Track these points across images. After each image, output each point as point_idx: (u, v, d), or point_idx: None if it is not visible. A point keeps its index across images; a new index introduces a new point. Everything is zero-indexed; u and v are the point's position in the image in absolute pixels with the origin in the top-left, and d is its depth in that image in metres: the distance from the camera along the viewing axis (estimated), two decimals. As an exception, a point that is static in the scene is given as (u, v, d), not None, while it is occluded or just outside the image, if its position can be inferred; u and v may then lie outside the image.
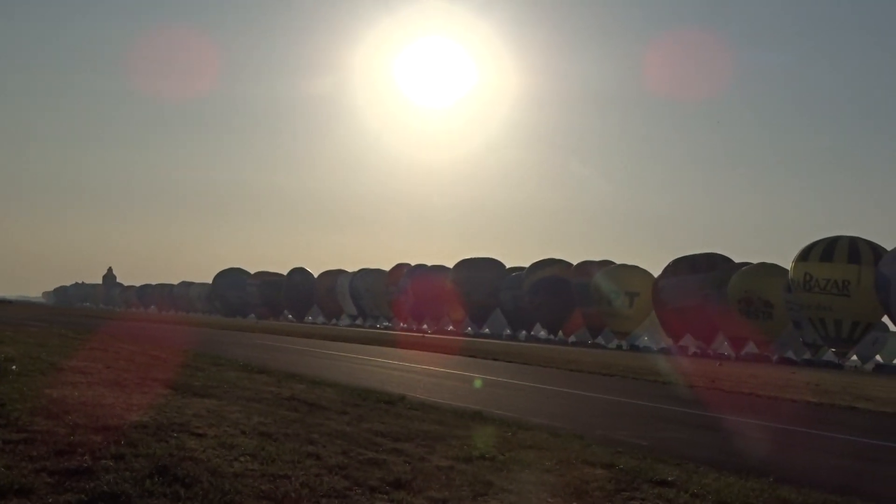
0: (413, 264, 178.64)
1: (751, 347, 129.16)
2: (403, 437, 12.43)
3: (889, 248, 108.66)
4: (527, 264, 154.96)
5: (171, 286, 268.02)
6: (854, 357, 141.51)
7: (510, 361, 46.44)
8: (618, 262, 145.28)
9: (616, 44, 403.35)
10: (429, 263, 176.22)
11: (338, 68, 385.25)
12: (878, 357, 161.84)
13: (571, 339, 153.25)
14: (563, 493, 9.32)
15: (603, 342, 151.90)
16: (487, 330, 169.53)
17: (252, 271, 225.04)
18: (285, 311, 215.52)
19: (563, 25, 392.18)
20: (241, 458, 9.59)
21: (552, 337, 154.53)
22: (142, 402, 13.78)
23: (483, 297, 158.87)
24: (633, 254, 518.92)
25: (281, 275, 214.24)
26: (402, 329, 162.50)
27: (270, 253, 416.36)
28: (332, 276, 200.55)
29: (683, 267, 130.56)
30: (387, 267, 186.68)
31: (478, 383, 27.21)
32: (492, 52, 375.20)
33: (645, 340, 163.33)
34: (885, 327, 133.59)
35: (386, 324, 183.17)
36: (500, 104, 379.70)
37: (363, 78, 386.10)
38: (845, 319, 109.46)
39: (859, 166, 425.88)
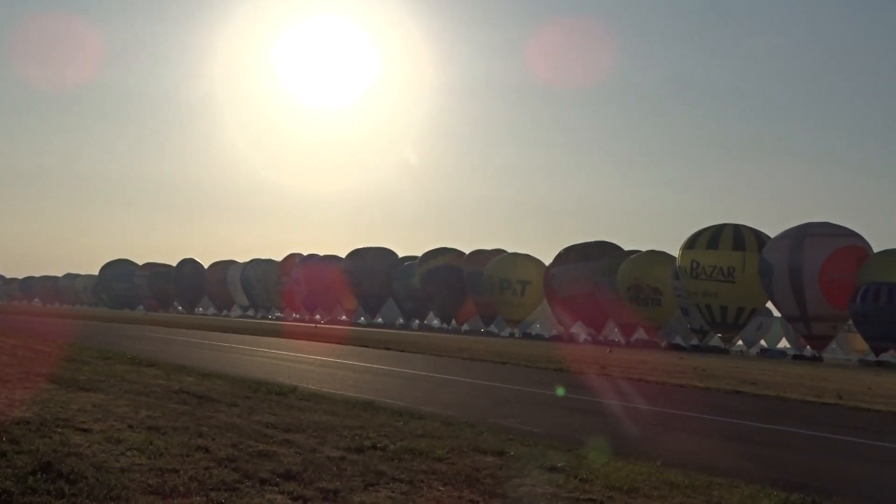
0: (305, 254, 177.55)
1: (640, 334, 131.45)
2: (294, 428, 12.34)
3: (772, 235, 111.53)
4: (419, 253, 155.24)
5: (55, 278, 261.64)
6: (739, 342, 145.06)
7: (402, 351, 46.48)
8: (510, 250, 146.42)
9: (501, 32, 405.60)
10: (321, 253, 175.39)
11: (219, 55, 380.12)
12: (762, 342, 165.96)
13: (464, 327, 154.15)
14: (454, 481, 9.34)
15: (496, 330, 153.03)
16: (380, 319, 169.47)
17: (140, 262, 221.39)
18: (175, 303, 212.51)
19: (444, 13, 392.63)
20: (128, 453, 9.42)
21: (445, 325, 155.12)
22: (24, 397, 13.45)
23: (375, 287, 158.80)
24: (525, 243, 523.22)
25: (170, 266, 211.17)
26: (295, 319, 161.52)
27: (159, 244, 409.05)
28: (223, 266, 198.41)
29: (574, 255, 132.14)
30: (278, 257, 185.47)
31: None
32: (389, 37, 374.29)
33: (537, 328, 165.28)
34: (769, 312, 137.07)
35: (278, 314, 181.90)
36: (392, 92, 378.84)
37: (245, 64, 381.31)
38: (731, 305, 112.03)
39: (744, 155, 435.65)
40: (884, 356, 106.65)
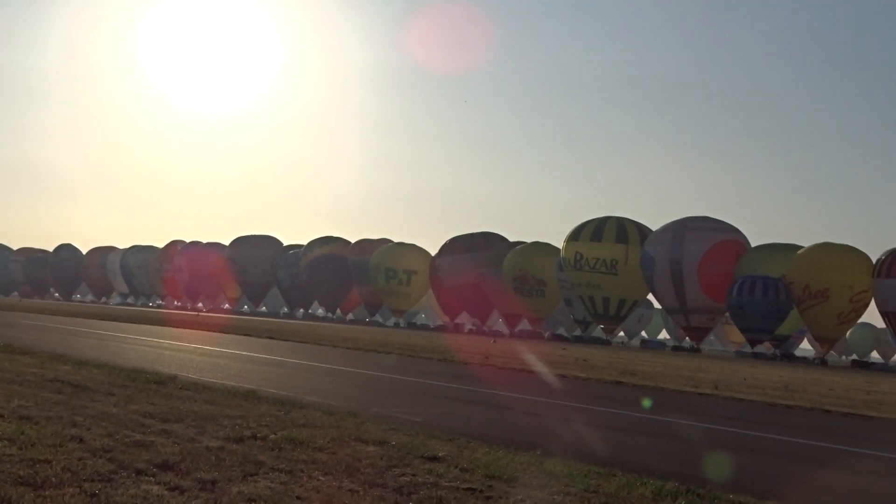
0: (188, 241, 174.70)
1: (525, 324, 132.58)
2: (173, 418, 12.16)
3: (654, 228, 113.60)
4: (305, 242, 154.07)
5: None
6: (621, 333, 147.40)
7: (286, 340, 46.17)
8: (396, 240, 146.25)
9: (380, 15, 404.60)
10: (204, 240, 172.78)
11: (98, 37, 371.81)
12: (643, 333, 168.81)
13: (349, 316, 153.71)
14: (334, 470, 9.31)
15: (381, 320, 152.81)
16: (264, 308, 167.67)
17: (14, 247, 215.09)
18: (51, 290, 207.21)
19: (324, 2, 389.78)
20: (-2, 443, 9.17)
21: (330, 315, 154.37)
22: None
23: (259, 275, 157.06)
24: (411, 232, 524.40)
25: (47, 251, 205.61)
26: (177, 308, 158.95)
27: (35, 228, 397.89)
28: (102, 252, 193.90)
29: (460, 246, 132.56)
30: (160, 244, 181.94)
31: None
32: (272, 24, 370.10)
33: (422, 318, 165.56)
34: (650, 304, 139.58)
35: (159, 302, 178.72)
36: (279, 80, 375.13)
37: (123, 46, 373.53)
38: (613, 297, 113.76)
39: (628, 149, 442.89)
40: (759, 348, 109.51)
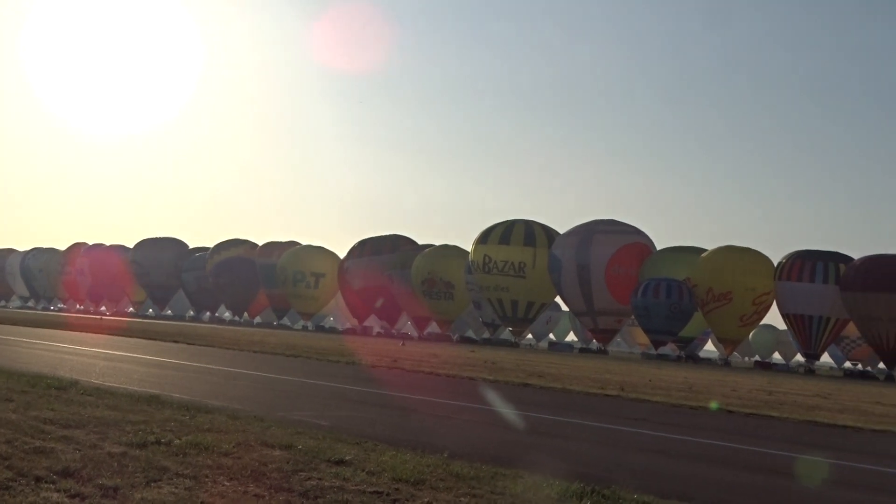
0: (91, 243, 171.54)
1: (433, 327, 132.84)
2: (74, 423, 11.91)
3: (562, 231, 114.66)
4: (211, 244, 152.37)
5: None
6: (529, 336, 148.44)
7: (191, 343, 45.60)
8: (304, 242, 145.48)
9: (282, 14, 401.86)
10: (107, 243, 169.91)
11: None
12: (551, 335, 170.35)
13: (257, 320, 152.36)
14: (240, 475, 9.21)
15: (289, 323, 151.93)
16: (170, 312, 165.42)
17: None
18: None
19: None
20: None
21: (237, 318, 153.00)
22: None
23: (164, 278, 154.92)
24: (319, 235, 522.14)
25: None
26: (79, 311, 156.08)
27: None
28: (1, 255, 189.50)
29: (368, 249, 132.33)
30: (62, 246, 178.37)
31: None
32: (165, 22, 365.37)
33: (330, 321, 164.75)
34: (558, 306, 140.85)
35: (61, 306, 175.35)
36: (173, 80, 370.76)
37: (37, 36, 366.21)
38: (521, 300, 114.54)
39: (536, 152, 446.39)
40: (664, 349, 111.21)
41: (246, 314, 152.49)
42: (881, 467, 15.90)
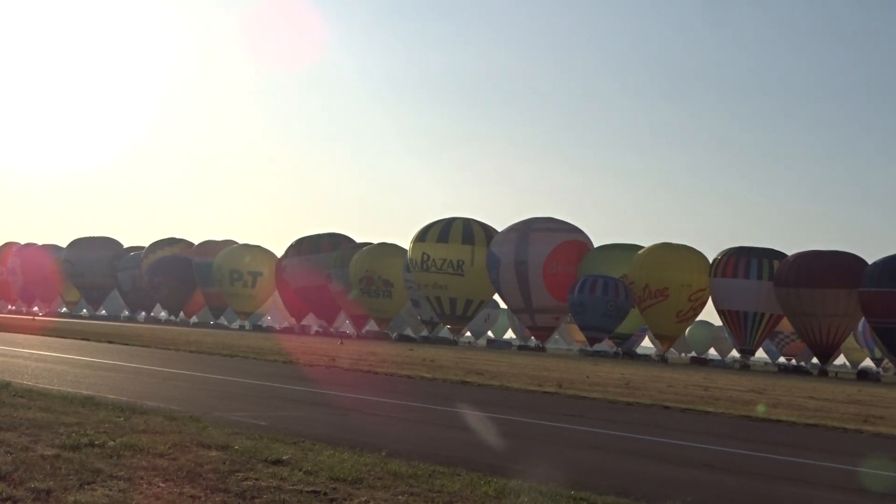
0: (23, 243, 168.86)
1: (372, 325, 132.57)
2: (6, 426, 11.71)
3: (500, 229, 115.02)
4: (146, 244, 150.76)
5: None
6: (468, 333, 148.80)
7: (127, 344, 45.09)
8: (240, 241, 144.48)
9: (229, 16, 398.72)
10: (39, 242, 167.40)
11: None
12: (489, 333, 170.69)
13: (193, 319, 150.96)
14: (175, 477, 9.12)
15: (226, 322, 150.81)
16: (104, 312, 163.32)
17: None
18: None
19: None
20: None
21: (173, 318, 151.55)
22: None
23: (99, 278, 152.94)
24: (256, 233, 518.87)
25: None
26: (10, 311, 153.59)
27: None
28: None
29: (306, 247, 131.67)
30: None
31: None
32: (104, 14, 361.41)
33: (268, 320, 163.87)
34: (496, 304, 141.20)
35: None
36: (113, 76, 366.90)
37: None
38: (460, 297, 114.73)
39: (475, 149, 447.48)
40: (602, 346, 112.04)
41: (182, 314, 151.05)
42: (813, 461, 16.14)
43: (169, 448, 10.76)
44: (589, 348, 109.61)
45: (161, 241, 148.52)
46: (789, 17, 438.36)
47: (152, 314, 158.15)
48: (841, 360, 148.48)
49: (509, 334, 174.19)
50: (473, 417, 19.32)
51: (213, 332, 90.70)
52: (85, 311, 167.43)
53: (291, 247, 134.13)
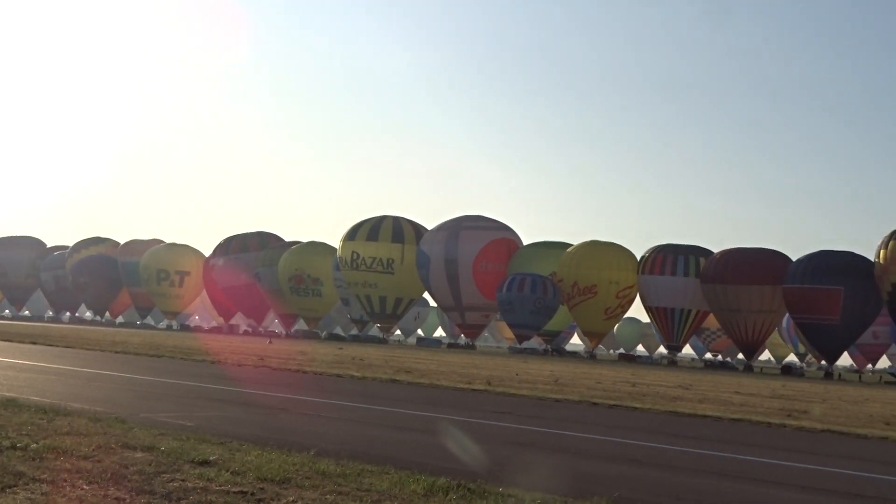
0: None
1: (301, 324, 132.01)
2: (-76, 430, 11.47)
3: (430, 227, 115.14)
4: (70, 243, 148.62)
5: None
6: (398, 332, 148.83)
7: (51, 345, 44.40)
8: (167, 241, 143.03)
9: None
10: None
11: None
12: (419, 331, 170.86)
13: (119, 319, 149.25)
14: (100, 479, 8.98)
15: (152, 322, 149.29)
16: (27, 312, 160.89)
17: None
18: None
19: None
20: None
21: (99, 318, 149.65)
22: None
23: (21, 278, 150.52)
24: (183, 233, 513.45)
25: None
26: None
27: None
28: None
29: (234, 246, 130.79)
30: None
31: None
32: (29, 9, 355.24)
33: (196, 320, 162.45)
34: (426, 302, 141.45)
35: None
36: (40, 70, 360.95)
37: None
38: (390, 296, 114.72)
39: (403, 146, 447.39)
40: (531, 343, 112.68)
41: (108, 314, 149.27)
42: (738, 455, 16.35)
43: (93, 450, 10.60)
44: (518, 346, 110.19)
45: (86, 241, 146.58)
46: (685, 13, 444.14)
47: (77, 314, 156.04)
48: (766, 355, 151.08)
49: (439, 332, 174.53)
50: (402, 416, 19.30)
51: (140, 333, 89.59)
52: (7, 311, 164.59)
53: (219, 246, 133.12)
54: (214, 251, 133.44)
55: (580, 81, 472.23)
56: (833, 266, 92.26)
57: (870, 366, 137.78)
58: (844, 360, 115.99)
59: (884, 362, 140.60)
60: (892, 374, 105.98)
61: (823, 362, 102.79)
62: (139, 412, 15.82)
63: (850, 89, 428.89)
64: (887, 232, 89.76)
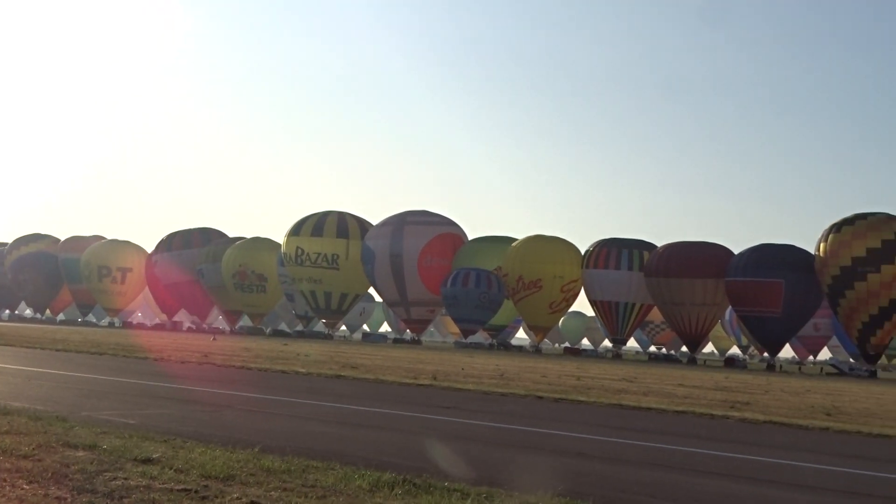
0: None
1: (245, 321, 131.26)
2: None
3: (375, 222, 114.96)
4: (10, 240, 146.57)
5: None
6: (343, 327, 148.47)
7: (-9, 343, 43.77)
8: (109, 237, 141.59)
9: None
10: None
11: None
12: (365, 326, 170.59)
13: (60, 317, 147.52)
14: (40, 478, 8.86)
15: (94, 320, 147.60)
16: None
17: None
18: None
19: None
20: None
21: (39, 316, 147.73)
22: None
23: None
24: (125, 229, 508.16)
25: None
26: None
27: None
28: None
29: (177, 242, 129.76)
30: None
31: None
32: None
33: (139, 317, 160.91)
34: (371, 298, 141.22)
35: None
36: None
37: None
38: (335, 291, 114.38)
39: (346, 141, 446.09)
40: (477, 338, 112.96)
41: (48, 311, 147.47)
42: (682, 447, 16.49)
43: (34, 449, 10.46)
44: (464, 340, 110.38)
45: (25, 237, 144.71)
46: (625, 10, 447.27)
47: (17, 312, 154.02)
48: (709, 347, 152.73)
49: (385, 328, 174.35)
50: (348, 412, 19.25)
51: (81, 330, 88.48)
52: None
53: (162, 242, 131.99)
54: (157, 247, 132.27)
55: (519, 76, 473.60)
56: (774, 259, 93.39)
57: (811, 357, 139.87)
58: (786, 351, 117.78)
59: (825, 354, 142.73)
60: (832, 366, 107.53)
61: (766, 354, 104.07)
62: (81, 410, 15.64)
63: (791, 86, 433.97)
64: (827, 225, 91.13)
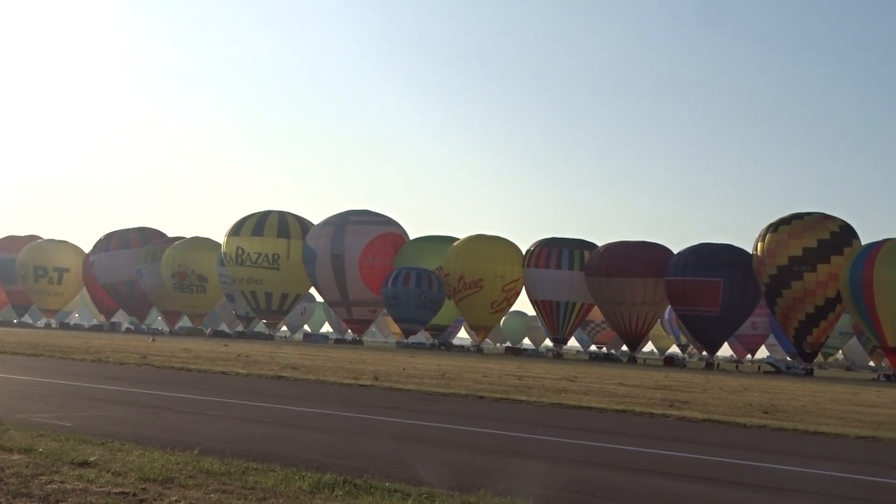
0: None
1: (185, 321, 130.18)
2: None
3: (316, 222, 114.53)
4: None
5: None
6: (284, 328, 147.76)
7: (-77, 346, 43.02)
8: (45, 237, 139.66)
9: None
10: None
11: None
12: (306, 326, 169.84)
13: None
14: (-26, 483, 8.73)
15: (30, 320, 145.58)
16: None
17: None
18: None
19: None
20: None
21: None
22: None
23: None
24: (62, 229, 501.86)
25: None
26: None
27: None
28: None
29: (116, 242, 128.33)
30: None
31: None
32: None
33: (76, 318, 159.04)
34: (312, 298, 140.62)
35: None
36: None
37: None
38: (276, 291, 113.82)
39: (286, 139, 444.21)
40: (418, 338, 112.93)
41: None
42: (621, 446, 16.62)
43: (-33, 453, 10.31)
44: (405, 340, 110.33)
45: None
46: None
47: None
48: (649, 346, 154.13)
49: (326, 328, 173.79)
50: (288, 413, 19.17)
51: (17, 331, 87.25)
52: None
53: (100, 242, 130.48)
54: (94, 247, 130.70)
55: (454, 73, 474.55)
56: (713, 259, 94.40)
57: (749, 356, 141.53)
58: (725, 350, 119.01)
59: (762, 352, 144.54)
60: (770, 364, 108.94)
61: (704, 353, 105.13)
62: (16, 413, 15.43)
63: (725, 87, 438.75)
64: (764, 225, 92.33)
